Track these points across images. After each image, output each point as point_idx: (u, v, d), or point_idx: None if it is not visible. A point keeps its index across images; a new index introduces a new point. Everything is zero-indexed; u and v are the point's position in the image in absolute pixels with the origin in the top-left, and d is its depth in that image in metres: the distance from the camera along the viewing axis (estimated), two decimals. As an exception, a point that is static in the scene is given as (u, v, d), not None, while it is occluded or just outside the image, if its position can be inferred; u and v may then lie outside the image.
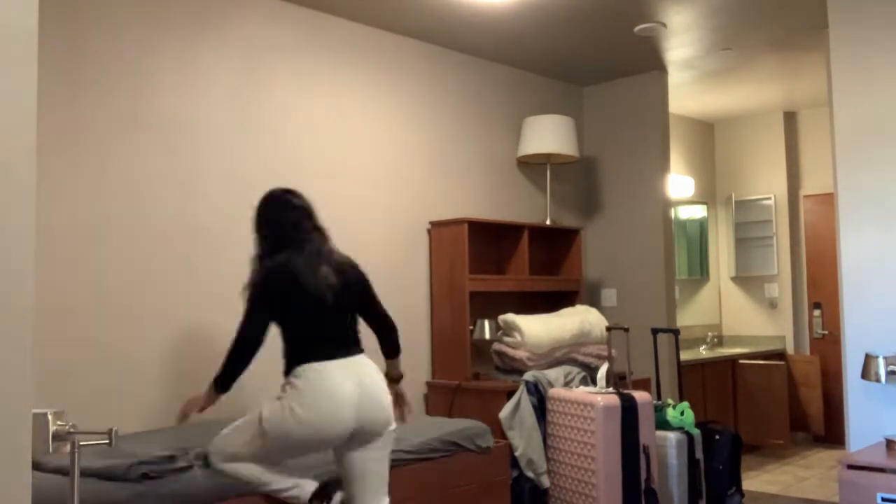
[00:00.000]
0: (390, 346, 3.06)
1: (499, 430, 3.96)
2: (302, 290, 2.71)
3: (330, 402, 2.62)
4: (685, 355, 5.97)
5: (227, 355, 2.72)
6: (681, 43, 4.97)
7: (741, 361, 6.40)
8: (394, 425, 2.82)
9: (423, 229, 4.70)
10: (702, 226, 7.13)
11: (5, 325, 1.14)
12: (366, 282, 2.96)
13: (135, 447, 2.85)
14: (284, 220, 2.82)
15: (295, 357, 2.71)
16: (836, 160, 3.74)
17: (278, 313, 2.74)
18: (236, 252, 3.83)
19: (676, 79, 5.74)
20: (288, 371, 2.73)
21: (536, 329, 4.33)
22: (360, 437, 2.72)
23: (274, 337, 2.80)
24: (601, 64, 5.36)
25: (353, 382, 2.68)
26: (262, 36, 4.02)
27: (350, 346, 2.79)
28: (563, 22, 4.55)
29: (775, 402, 6.27)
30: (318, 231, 2.88)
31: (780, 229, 6.95)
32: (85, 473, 2.50)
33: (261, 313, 2.72)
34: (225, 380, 2.73)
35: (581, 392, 3.81)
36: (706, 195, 7.23)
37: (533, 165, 5.43)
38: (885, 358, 3.41)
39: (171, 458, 2.65)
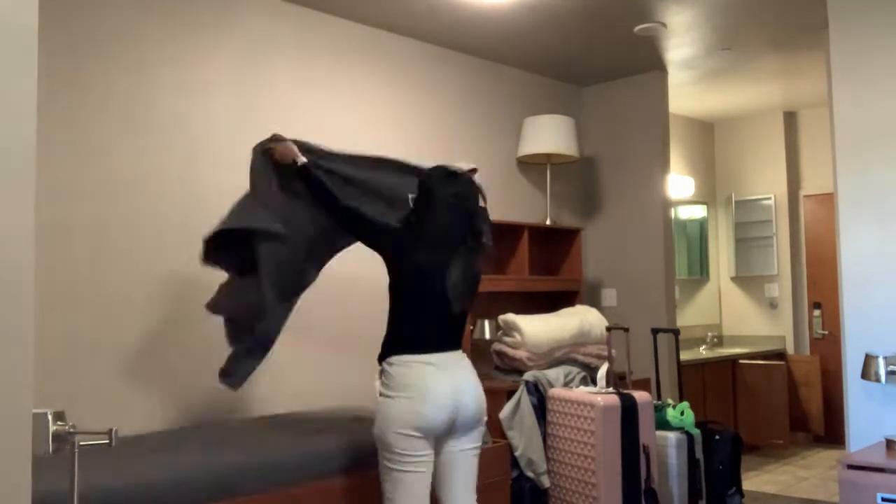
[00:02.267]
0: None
1: (499, 430, 3.96)
2: (436, 287, 2.72)
3: (427, 388, 2.63)
4: (685, 355, 5.97)
5: (325, 188, 2.86)
6: (681, 43, 4.97)
7: (741, 361, 6.39)
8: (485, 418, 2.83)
9: (423, 229, 4.69)
10: (702, 226, 7.13)
11: (5, 324, 1.14)
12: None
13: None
14: (455, 208, 2.75)
15: (393, 344, 2.72)
16: (836, 160, 3.74)
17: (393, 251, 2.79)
18: (236, 252, 3.83)
19: (676, 79, 5.74)
20: (384, 356, 2.74)
21: (536, 329, 4.32)
22: (458, 428, 2.72)
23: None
24: (601, 64, 5.36)
25: (448, 375, 2.69)
26: (262, 36, 4.02)
27: (453, 342, 2.79)
28: (563, 22, 4.55)
29: (775, 402, 6.27)
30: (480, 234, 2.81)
31: (780, 229, 6.95)
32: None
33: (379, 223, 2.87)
34: (307, 175, 2.89)
35: (581, 392, 3.81)
36: (706, 195, 7.23)
37: (533, 165, 5.43)
38: (885, 358, 3.41)
39: None
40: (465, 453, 2.77)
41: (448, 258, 2.71)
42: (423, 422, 2.62)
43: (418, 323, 2.74)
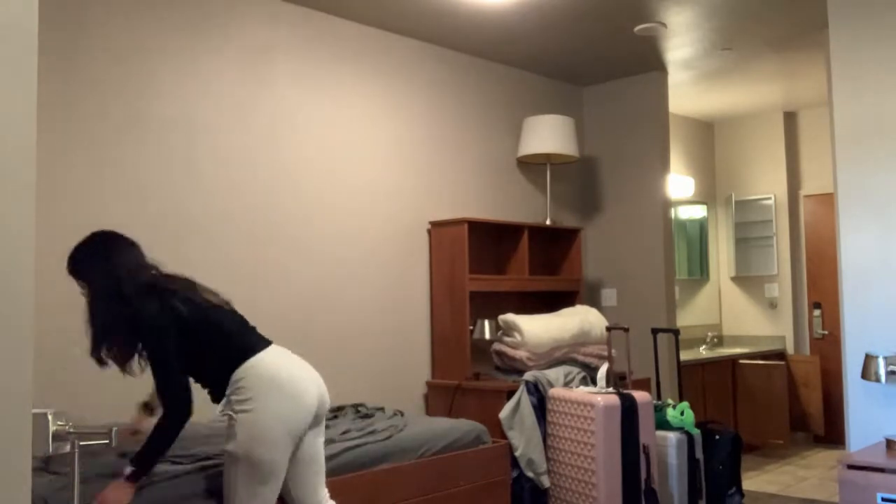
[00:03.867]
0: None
1: (499, 430, 3.96)
2: (201, 304, 2.54)
3: (291, 385, 2.49)
4: (685, 355, 5.97)
5: (160, 431, 2.37)
6: (681, 43, 4.97)
7: (741, 361, 6.39)
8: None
9: (423, 229, 4.70)
10: (702, 226, 7.13)
11: (5, 324, 1.14)
12: None
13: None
14: (137, 259, 2.57)
15: (228, 364, 2.50)
16: (836, 160, 3.74)
17: (194, 342, 2.50)
18: (235, 252, 3.83)
19: (676, 79, 5.74)
20: (223, 386, 2.51)
21: (536, 329, 4.32)
22: (316, 420, 2.61)
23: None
24: (601, 64, 5.36)
25: (297, 363, 2.57)
26: (262, 36, 4.02)
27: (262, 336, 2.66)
28: (563, 22, 4.55)
29: (775, 402, 6.27)
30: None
31: (780, 229, 6.95)
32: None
33: (172, 352, 2.44)
34: (156, 453, 2.38)
35: (581, 392, 3.81)
36: (706, 195, 7.23)
37: (533, 165, 5.43)
38: (885, 358, 3.41)
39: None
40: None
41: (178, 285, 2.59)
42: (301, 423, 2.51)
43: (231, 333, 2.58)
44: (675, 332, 4.55)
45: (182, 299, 2.51)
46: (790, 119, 7.03)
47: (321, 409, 2.62)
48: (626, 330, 4.13)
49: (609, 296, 5.67)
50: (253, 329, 2.66)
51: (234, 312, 2.65)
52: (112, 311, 2.44)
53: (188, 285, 2.59)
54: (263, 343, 2.60)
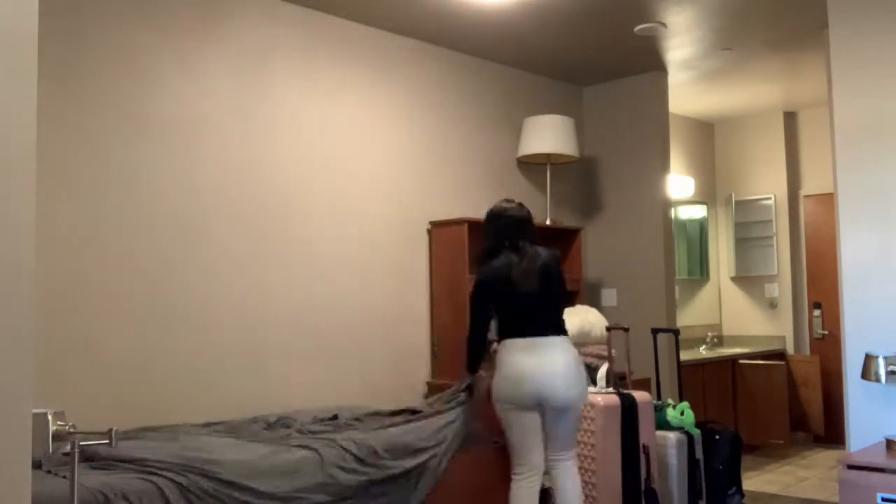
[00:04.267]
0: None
1: (499, 430, 3.95)
2: (507, 283, 3.33)
3: (511, 371, 3.25)
4: (685, 355, 5.97)
5: (465, 349, 3.46)
6: (681, 43, 4.97)
7: (741, 361, 6.39)
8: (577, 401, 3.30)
9: (423, 229, 4.70)
10: (702, 226, 7.13)
11: (5, 324, 1.14)
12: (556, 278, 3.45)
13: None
14: (499, 231, 3.44)
15: (500, 333, 3.37)
16: (836, 160, 3.74)
17: (493, 303, 3.39)
18: (236, 251, 3.83)
19: (676, 79, 5.74)
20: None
21: (536, 329, 4.32)
22: (547, 405, 3.25)
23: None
24: (601, 64, 5.36)
25: (533, 358, 3.24)
26: (263, 36, 4.02)
27: (542, 329, 3.29)
28: (563, 22, 4.55)
29: (775, 402, 6.27)
30: (523, 237, 3.42)
31: (780, 229, 6.95)
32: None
33: (478, 309, 3.40)
34: (469, 366, 3.48)
35: (581, 392, 3.80)
36: (706, 195, 7.23)
37: (533, 165, 5.43)
38: (885, 358, 3.41)
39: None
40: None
41: (512, 258, 3.40)
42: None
43: (510, 316, 3.41)
44: (675, 332, 4.55)
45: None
46: (790, 119, 7.03)
47: (547, 401, 3.23)
48: (626, 330, 4.13)
49: (609, 296, 5.67)
50: (536, 319, 3.32)
51: (522, 298, 3.32)
52: None
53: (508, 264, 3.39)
54: (532, 331, 3.29)
